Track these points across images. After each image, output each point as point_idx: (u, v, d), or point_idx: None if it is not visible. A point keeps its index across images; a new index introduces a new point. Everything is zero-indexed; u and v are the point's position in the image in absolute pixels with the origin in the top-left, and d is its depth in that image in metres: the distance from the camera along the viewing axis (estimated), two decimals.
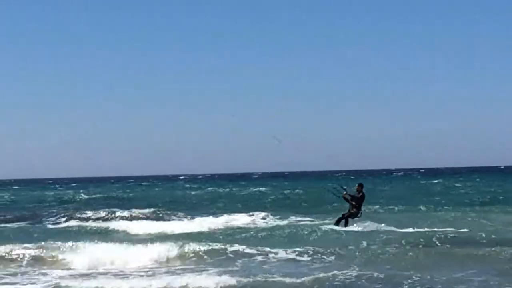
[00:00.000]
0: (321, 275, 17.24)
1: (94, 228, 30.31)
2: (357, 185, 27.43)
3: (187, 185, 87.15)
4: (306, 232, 25.81)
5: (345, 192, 27.00)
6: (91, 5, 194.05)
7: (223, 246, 21.49)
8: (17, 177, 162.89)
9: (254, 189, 66.41)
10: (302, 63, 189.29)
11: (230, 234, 25.98)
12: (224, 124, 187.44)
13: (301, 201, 47.89)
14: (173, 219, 34.30)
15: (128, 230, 29.27)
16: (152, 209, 38.21)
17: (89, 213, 37.02)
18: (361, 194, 26.87)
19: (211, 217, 33.34)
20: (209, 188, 72.60)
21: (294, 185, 71.43)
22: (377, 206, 38.15)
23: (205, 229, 28.68)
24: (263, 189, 66.36)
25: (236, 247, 21.43)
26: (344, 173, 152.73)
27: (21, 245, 21.76)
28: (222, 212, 36.22)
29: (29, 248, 21.42)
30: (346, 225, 27.06)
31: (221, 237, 25.06)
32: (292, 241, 23.58)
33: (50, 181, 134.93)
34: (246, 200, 49.14)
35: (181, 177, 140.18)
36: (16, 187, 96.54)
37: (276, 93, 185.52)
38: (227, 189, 69.56)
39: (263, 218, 32.61)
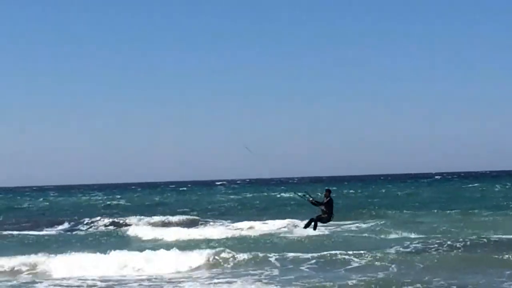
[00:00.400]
0: (358, 278, 17.24)
1: (132, 235, 30.34)
2: (325, 191, 26.98)
3: (226, 191, 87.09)
4: (345, 236, 25.74)
5: (311, 199, 26.64)
6: (91, 5, 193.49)
7: (261, 252, 21.44)
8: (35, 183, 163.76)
9: (292, 194, 66.01)
10: (302, 63, 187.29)
11: (268, 238, 25.90)
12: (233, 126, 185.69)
13: (340, 205, 47.62)
14: (211, 225, 34.36)
15: (166, 236, 29.23)
16: (190, 215, 38.22)
17: (127, 219, 37.10)
18: (328, 199, 26.46)
19: (249, 222, 33.25)
20: (247, 194, 72.45)
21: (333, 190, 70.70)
22: (417, 210, 37.78)
23: (243, 234, 28.60)
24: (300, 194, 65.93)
25: (275, 252, 21.41)
26: (382, 177, 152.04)
27: (59, 253, 21.86)
28: (260, 217, 36.10)
29: (66, 256, 21.51)
30: (315, 228, 27.08)
31: (259, 242, 25.01)
32: (331, 245, 23.50)
33: (85, 187, 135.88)
34: (284, 205, 48.97)
35: (218, 183, 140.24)
36: (54, 193, 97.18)
37: (276, 93, 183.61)
38: (265, 194, 69.41)
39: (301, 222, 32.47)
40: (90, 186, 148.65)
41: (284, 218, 34.20)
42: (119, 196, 74.90)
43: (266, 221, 33.37)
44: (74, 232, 33.44)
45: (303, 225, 26.92)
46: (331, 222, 32.01)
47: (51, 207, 57.75)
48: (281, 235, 27.41)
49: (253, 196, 67.14)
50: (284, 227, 31.53)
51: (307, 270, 19.09)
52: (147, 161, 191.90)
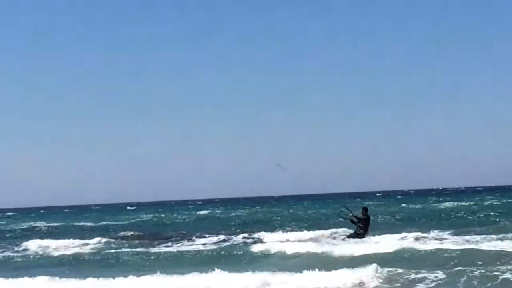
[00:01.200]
0: None
1: (277, 251, 27.57)
2: (361, 209, 30.04)
3: (379, 203, 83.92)
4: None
5: (351, 214, 29.78)
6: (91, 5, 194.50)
7: (424, 268, 19.43)
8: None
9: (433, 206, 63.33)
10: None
11: (426, 251, 23.31)
12: None
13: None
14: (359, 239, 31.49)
15: (320, 250, 26.39)
16: (334, 228, 35.42)
17: (268, 234, 35.22)
18: (365, 217, 29.42)
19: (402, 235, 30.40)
20: (403, 205, 69.34)
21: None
22: None
23: (406, 247, 25.36)
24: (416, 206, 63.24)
25: (439, 267, 19.50)
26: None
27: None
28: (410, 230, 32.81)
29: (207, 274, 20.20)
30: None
31: (421, 256, 22.55)
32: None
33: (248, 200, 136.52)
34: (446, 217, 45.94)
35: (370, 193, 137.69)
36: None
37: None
38: (421, 206, 66.09)
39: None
40: (250, 199, 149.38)
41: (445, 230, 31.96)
42: (276, 209, 74.00)
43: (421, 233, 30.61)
44: (213, 247, 31.20)
45: (343, 237, 30.22)
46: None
47: (201, 221, 57.05)
48: (440, 247, 24.61)
49: (415, 208, 63.73)
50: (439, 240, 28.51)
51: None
52: (316, 171, 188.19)
